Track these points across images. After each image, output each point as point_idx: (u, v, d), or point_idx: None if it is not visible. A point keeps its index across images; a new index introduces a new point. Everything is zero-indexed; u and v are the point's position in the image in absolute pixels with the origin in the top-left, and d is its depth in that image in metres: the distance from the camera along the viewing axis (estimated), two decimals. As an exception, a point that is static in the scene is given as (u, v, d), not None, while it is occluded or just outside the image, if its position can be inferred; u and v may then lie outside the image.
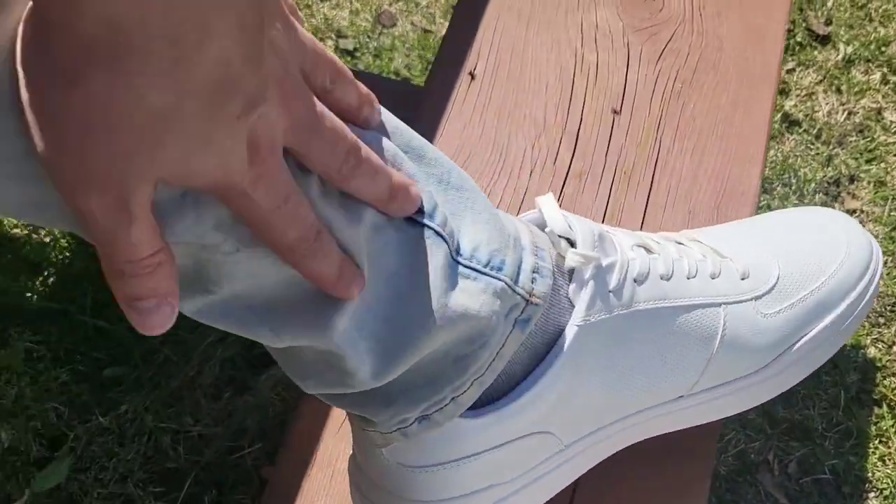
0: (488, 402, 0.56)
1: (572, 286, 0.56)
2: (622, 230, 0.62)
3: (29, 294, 1.22)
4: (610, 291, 0.56)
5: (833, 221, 0.68)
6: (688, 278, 0.60)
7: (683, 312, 0.59)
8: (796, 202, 1.31)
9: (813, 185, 1.32)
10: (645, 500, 0.66)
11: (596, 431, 0.61)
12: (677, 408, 0.63)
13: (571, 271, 0.56)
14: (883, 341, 1.19)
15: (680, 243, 0.63)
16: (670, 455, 0.67)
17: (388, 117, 0.50)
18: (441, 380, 0.53)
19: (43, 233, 1.28)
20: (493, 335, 0.53)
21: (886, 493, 1.09)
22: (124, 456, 1.10)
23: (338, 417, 0.69)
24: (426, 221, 0.49)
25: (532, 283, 0.53)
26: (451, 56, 0.86)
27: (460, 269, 0.51)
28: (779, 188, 1.32)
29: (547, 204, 0.58)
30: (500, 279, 0.52)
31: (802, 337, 0.64)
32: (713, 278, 0.61)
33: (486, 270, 0.51)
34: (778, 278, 0.63)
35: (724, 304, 0.61)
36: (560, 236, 0.57)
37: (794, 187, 1.32)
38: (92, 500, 1.08)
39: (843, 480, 1.11)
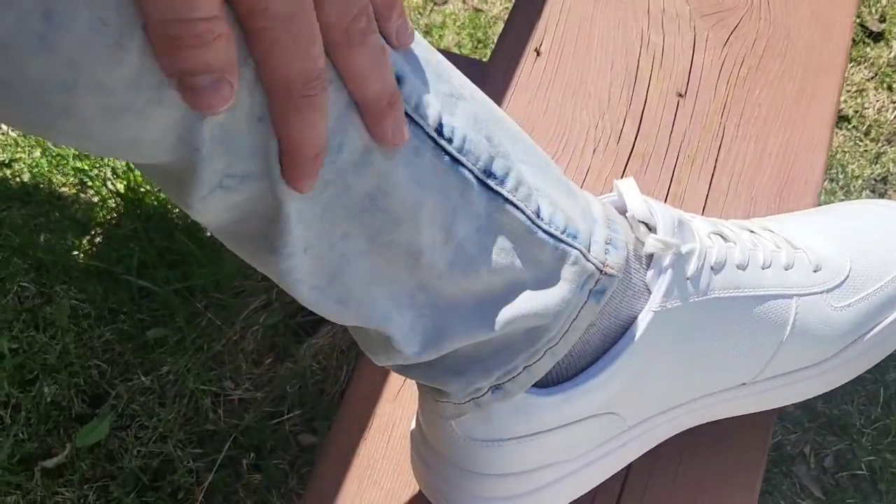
0: (559, 380, 0.57)
1: (650, 272, 0.56)
2: (699, 216, 0.62)
3: (76, 253, 1.23)
4: (687, 279, 0.56)
5: None
6: (762, 268, 0.60)
7: (756, 303, 0.59)
8: (843, 198, 1.30)
9: (860, 181, 1.32)
10: (699, 479, 0.66)
11: (659, 414, 0.62)
12: (740, 394, 0.63)
13: (650, 257, 0.56)
14: (925, 341, 1.18)
15: (752, 231, 0.63)
16: (725, 434, 0.67)
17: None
18: (513, 349, 0.53)
19: (91, 192, 1.29)
20: (567, 305, 0.53)
21: (923, 492, 1.09)
22: (165, 416, 1.11)
23: (394, 383, 0.70)
24: (498, 188, 0.49)
25: (605, 253, 0.53)
26: (517, 31, 0.86)
27: (539, 234, 0.51)
28: (826, 183, 1.32)
29: (627, 187, 0.58)
30: (575, 247, 0.52)
31: (869, 331, 0.64)
32: (786, 269, 0.61)
33: (563, 237, 0.52)
34: (849, 272, 0.63)
35: (797, 295, 0.61)
36: (639, 221, 0.57)
37: (841, 183, 1.32)
38: (131, 457, 1.09)
39: (880, 477, 1.11)
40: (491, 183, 0.49)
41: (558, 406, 0.56)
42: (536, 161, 0.53)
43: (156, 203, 1.26)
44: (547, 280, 0.52)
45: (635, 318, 0.56)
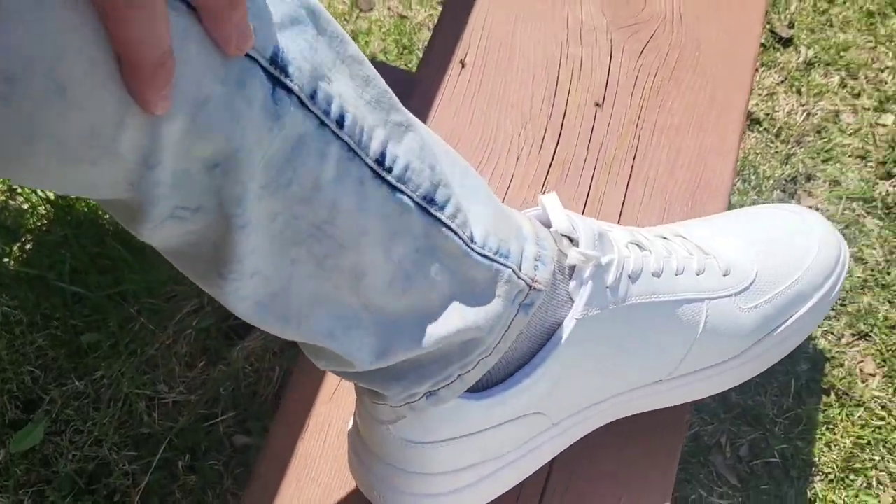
0: (489, 385, 0.61)
1: (573, 283, 0.60)
2: (617, 226, 0.66)
3: (6, 259, 1.24)
4: (607, 288, 0.61)
5: (806, 220, 0.73)
6: (676, 275, 0.64)
7: (671, 307, 0.63)
8: (755, 198, 1.36)
9: (771, 181, 1.38)
10: (618, 471, 0.70)
11: (581, 411, 0.66)
12: (657, 390, 0.67)
13: (572, 268, 0.60)
14: (833, 333, 1.24)
15: (666, 238, 0.67)
16: (642, 426, 0.71)
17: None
18: (449, 358, 0.57)
19: (21, 199, 1.30)
20: (499, 319, 0.57)
21: (831, 477, 1.15)
22: (99, 420, 1.13)
23: (330, 385, 0.73)
24: (438, 214, 0.53)
25: (535, 270, 0.58)
26: (443, 44, 0.90)
27: (474, 256, 0.55)
28: (739, 184, 1.37)
29: (551, 202, 0.62)
30: (507, 266, 0.56)
31: (774, 329, 0.68)
32: (698, 275, 0.65)
33: (496, 258, 0.55)
34: (756, 275, 0.67)
35: (707, 299, 0.65)
36: (562, 234, 0.61)
37: (753, 183, 1.38)
38: (66, 462, 1.10)
39: (792, 464, 1.16)
40: (431, 209, 0.52)
41: (489, 409, 0.60)
42: (471, 184, 0.56)
43: (86, 209, 1.27)
44: (482, 296, 0.56)
45: (559, 324, 0.60)
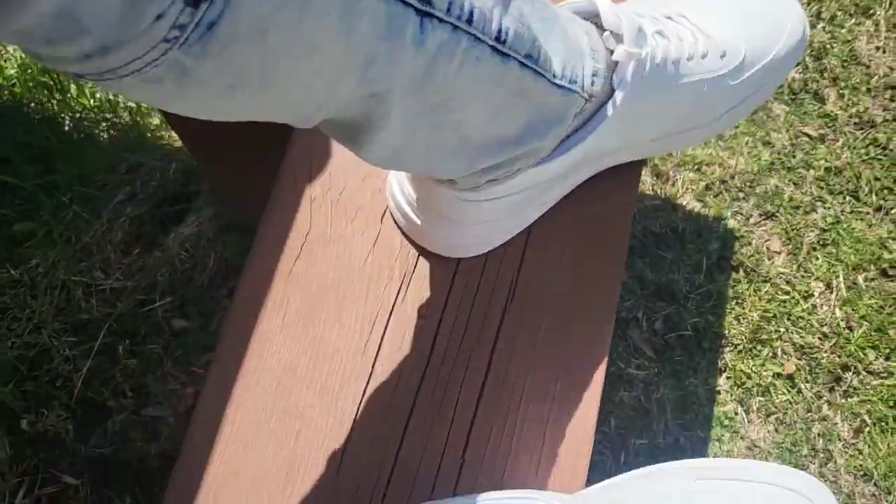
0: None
1: (615, 77, 0.68)
2: (639, 13, 0.74)
3: (-69, 149, 1.23)
4: (642, 77, 0.69)
5: None
6: (688, 60, 0.73)
7: (683, 88, 0.73)
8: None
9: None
10: (557, 342, 0.76)
11: (590, 163, 0.77)
12: (651, 147, 0.79)
13: (615, 61, 0.68)
14: (742, 214, 1.31)
15: (672, 20, 0.76)
16: (576, 292, 0.77)
17: None
18: (516, 161, 0.66)
19: (-58, 88, 1.28)
20: (563, 132, 0.66)
21: (740, 348, 1.23)
22: (37, 307, 1.14)
23: (287, 262, 0.76)
24: (533, 66, 0.59)
25: (592, 85, 0.65)
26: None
27: (554, 89, 0.62)
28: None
29: None
30: (575, 90, 0.64)
31: (748, 97, 0.79)
32: (703, 58, 0.75)
33: (569, 85, 0.63)
34: (745, 55, 0.77)
35: (709, 79, 0.75)
36: (608, 29, 0.68)
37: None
38: (6, 349, 1.12)
39: (703, 336, 1.24)
40: (528, 63, 0.58)
41: (530, 177, 0.70)
42: (549, 16, 0.62)
43: (10, 97, 1.26)
44: (554, 119, 0.64)
45: (599, 108, 0.68)
